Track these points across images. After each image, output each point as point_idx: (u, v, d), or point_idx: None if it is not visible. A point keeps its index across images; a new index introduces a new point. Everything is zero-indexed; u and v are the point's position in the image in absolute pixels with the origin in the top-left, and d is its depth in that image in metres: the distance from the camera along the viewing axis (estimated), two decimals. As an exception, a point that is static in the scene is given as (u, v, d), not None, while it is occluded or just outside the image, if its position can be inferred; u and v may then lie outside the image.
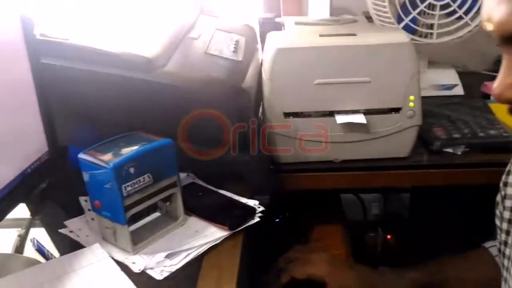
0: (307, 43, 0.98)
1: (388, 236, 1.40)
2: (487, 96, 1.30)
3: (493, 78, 1.42)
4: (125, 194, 0.75)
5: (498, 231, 0.91)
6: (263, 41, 1.27)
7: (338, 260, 0.98)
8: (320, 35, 1.02)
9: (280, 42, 0.99)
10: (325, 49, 0.97)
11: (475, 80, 1.39)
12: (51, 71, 0.85)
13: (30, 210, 0.92)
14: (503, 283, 0.86)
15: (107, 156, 0.76)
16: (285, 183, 1.03)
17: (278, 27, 1.28)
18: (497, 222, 0.91)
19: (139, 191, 0.77)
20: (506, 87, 0.65)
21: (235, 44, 1.08)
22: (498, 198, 0.89)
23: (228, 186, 0.96)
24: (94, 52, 0.86)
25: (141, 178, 0.77)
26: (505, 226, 0.86)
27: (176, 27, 1.03)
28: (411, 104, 1.00)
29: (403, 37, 1.00)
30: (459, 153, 1.05)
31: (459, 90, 1.33)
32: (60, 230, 0.83)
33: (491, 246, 0.99)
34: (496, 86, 0.67)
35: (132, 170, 0.76)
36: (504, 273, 0.85)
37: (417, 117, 1.01)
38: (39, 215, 0.91)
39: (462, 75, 1.39)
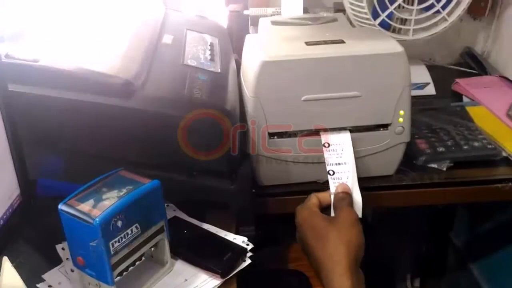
0: (295, 54, 0.88)
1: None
2: (459, 95, 1.27)
3: (461, 73, 1.41)
4: (112, 252, 0.66)
5: None
6: (231, 37, 1.17)
7: None
8: (307, 43, 0.92)
9: (265, 52, 0.88)
10: (316, 61, 0.87)
11: (443, 75, 1.36)
12: (20, 99, 0.73)
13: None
14: None
15: (91, 208, 0.65)
16: (268, 208, 0.95)
17: (246, 20, 1.18)
18: None
19: (127, 245, 0.68)
20: None
21: (210, 49, 0.98)
22: None
23: (210, 215, 0.88)
24: (68, 76, 0.74)
25: (129, 231, 0.68)
26: None
27: (147, 34, 0.92)
28: (401, 119, 0.93)
29: (396, 46, 0.91)
30: (444, 169, 1.01)
31: (431, 89, 1.28)
32: (38, 285, 0.73)
33: None
34: None
35: (119, 223, 0.66)
36: None
37: (405, 134, 0.95)
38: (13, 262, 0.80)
39: (430, 69, 1.35)
